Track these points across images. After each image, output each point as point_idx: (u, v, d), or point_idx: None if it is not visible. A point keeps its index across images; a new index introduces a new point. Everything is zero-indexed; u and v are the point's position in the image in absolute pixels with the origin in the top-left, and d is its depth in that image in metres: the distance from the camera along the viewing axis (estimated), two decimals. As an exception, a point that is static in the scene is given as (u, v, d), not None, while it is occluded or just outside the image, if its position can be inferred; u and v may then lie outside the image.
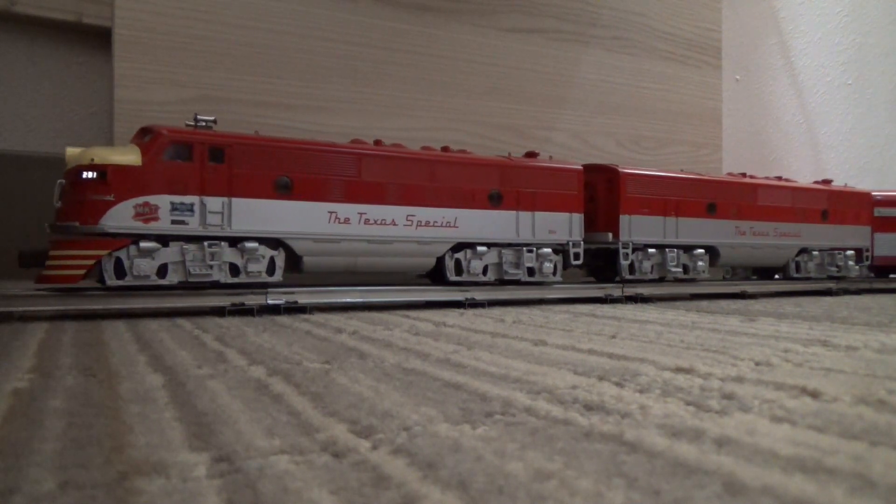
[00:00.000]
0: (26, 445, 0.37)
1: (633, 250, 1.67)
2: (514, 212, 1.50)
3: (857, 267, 2.06)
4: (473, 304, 1.40)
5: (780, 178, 2.02)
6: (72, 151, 1.17)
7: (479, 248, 1.46)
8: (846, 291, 1.97)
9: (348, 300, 1.33)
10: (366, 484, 0.31)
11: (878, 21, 2.60)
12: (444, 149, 1.51)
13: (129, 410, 0.45)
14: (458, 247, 1.45)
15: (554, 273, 1.55)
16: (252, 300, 1.21)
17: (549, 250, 1.54)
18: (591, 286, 1.60)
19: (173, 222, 1.17)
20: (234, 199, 1.22)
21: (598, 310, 1.33)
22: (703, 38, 2.61)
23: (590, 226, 1.65)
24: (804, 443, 0.37)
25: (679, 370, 0.60)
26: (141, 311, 1.22)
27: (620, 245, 1.65)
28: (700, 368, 0.60)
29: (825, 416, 0.43)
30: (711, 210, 1.79)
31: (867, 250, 2.11)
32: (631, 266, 1.66)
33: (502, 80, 2.16)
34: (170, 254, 1.18)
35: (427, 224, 1.40)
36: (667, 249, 1.71)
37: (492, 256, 1.49)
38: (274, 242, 1.27)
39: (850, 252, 2.05)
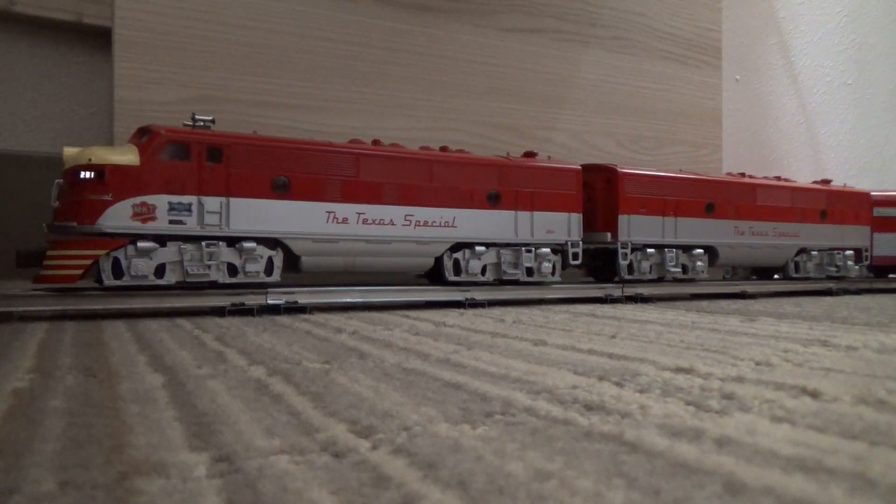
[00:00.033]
0: (26, 445, 0.37)
1: (632, 250, 1.67)
2: (512, 212, 1.50)
3: (856, 267, 2.06)
4: (473, 304, 1.40)
5: (779, 178, 2.02)
6: (69, 151, 1.17)
7: (478, 248, 1.46)
8: (846, 291, 1.97)
9: (348, 300, 1.33)
10: (366, 484, 0.31)
11: (878, 21, 2.60)
12: (443, 149, 1.51)
13: (129, 410, 0.45)
14: (457, 247, 1.45)
15: (553, 273, 1.55)
16: (252, 300, 1.21)
17: (547, 250, 1.54)
18: (591, 286, 1.60)
19: (171, 222, 1.17)
20: (231, 199, 1.21)
21: (598, 310, 1.33)
22: (703, 38, 2.61)
23: (588, 226, 1.65)
24: (804, 443, 0.37)
25: (679, 370, 0.60)
26: (141, 311, 1.21)
27: (619, 245, 1.65)
28: (700, 368, 0.60)
29: (825, 416, 0.43)
30: (710, 210, 1.79)
31: (866, 250, 2.11)
32: (630, 266, 1.66)
33: (502, 80, 2.16)
34: (167, 254, 1.18)
35: (425, 224, 1.40)
36: (665, 249, 1.71)
37: (490, 256, 1.49)
38: (272, 242, 1.27)
39: (849, 252, 2.05)
